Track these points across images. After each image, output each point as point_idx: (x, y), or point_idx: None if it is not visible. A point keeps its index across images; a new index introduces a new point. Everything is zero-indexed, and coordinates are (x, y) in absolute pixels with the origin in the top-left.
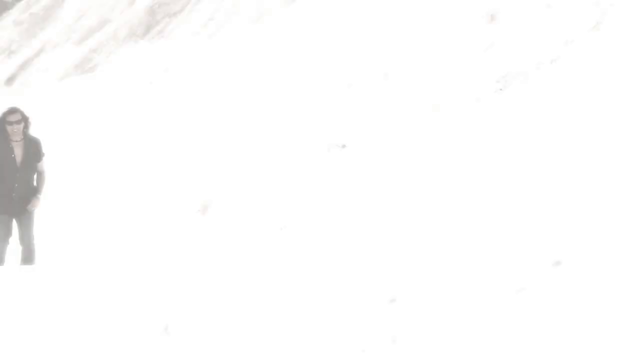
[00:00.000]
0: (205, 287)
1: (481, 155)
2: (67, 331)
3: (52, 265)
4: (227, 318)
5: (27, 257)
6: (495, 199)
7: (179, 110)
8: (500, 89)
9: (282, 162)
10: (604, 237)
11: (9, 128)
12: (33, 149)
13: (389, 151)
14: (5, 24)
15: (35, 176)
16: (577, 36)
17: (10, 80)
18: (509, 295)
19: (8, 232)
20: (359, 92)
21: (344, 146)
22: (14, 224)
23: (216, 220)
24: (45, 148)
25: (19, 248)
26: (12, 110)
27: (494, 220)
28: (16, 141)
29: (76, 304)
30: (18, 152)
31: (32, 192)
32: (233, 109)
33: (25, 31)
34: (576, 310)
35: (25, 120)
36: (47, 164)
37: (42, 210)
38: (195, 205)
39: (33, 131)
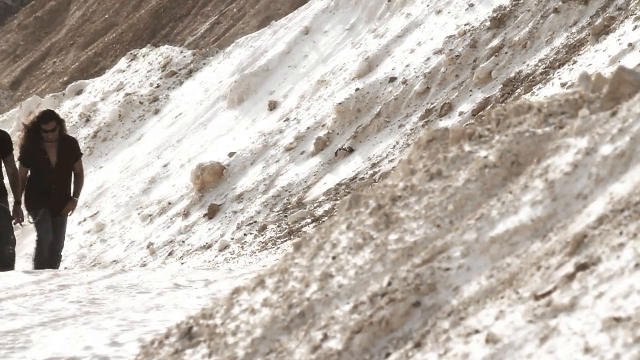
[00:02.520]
0: None
1: None
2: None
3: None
4: None
5: (54, 262)
6: None
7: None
8: None
9: None
10: None
11: (44, 135)
12: (69, 149)
13: None
14: (11, 28)
15: (72, 179)
16: None
17: (15, 84)
18: None
19: (51, 232)
20: None
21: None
22: None
23: None
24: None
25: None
26: (47, 118)
27: None
28: (51, 142)
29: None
30: (52, 153)
31: (69, 195)
32: None
33: (31, 35)
34: None
35: (60, 123)
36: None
37: None
38: None
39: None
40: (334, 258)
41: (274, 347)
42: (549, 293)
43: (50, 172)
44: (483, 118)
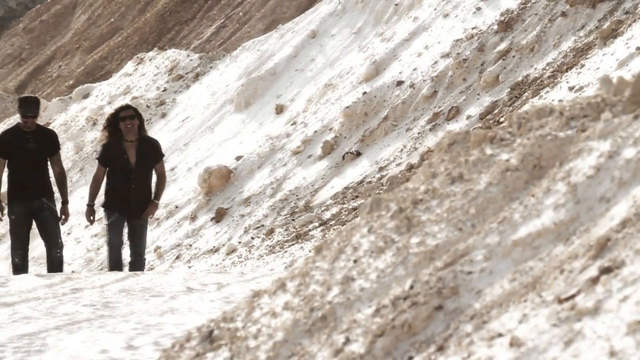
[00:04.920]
0: None
1: None
2: None
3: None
4: None
5: (138, 266)
6: None
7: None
8: None
9: None
10: None
11: (122, 125)
12: (149, 150)
13: None
14: (16, 31)
15: (153, 179)
16: None
17: (21, 88)
18: None
19: (122, 236)
20: None
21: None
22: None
23: None
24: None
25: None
26: (125, 107)
27: None
28: (130, 141)
29: None
30: (132, 153)
31: (150, 197)
32: None
33: (36, 39)
34: None
35: (138, 117)
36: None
37: None
38: None
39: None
40: (355, 261)
41: (295, 350)
42: (573, 296)
43: (129, 173)
44: (504, 121)
